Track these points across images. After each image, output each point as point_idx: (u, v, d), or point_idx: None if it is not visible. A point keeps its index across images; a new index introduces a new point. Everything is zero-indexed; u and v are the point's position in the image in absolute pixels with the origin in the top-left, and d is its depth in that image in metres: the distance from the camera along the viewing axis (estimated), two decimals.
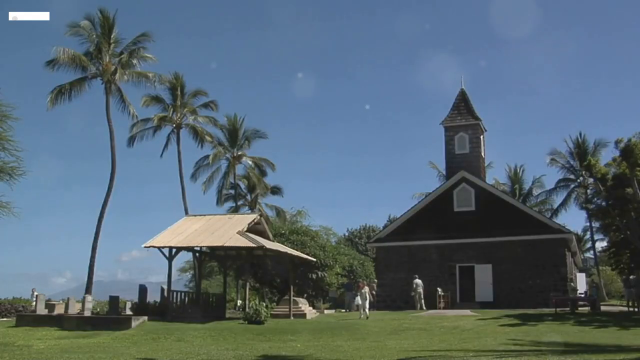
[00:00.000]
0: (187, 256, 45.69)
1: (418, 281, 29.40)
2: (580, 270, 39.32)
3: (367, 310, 24.79)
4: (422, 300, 29.01)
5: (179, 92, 41.57)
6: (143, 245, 22.89)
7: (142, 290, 24.92)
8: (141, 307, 23.58)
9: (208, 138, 43.11)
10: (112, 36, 36.59)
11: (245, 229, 24.21)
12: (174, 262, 23.64)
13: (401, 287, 31.54)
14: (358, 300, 26.21)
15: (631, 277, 27.33)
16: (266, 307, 22.90)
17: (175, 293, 24.37)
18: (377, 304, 33.34)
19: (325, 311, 33.05)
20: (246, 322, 21.67)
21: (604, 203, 30.26)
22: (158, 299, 25.52)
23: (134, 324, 19.42)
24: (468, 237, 31.01)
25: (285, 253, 26.27)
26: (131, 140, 41.14)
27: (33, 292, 30.80)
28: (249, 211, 44.91)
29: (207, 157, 44.55)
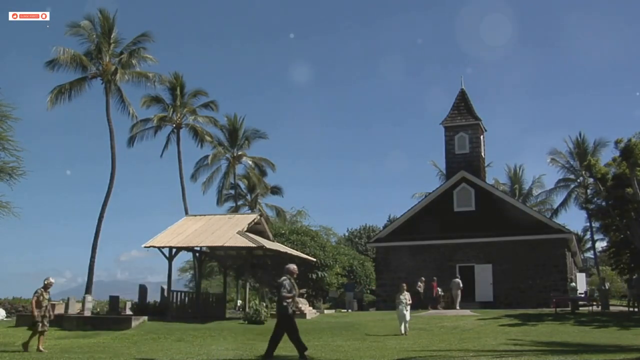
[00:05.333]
0: (187, 256, 45.77)
1: (457, 280, 29.38)
2: (580, 270, 39.31)
3: (407, 322, 18.62)
4: (458, 299, 29.02)
5: (178, 92, 41.59)
6: (143, 245, 22.91)
7: (142, 290, 24.92)
8: (141, 307, 23.58)
9: (208, 138, 43.14)
10: (112, 36, 36.60)
11: (245, 229, 24.21)
12: (174, 262, 23.69)
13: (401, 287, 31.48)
14: (402, 309, 18.52)
15: (634, 277, 27.30)
16: (266, 307, 22.91)
17: (175, 293, 24.37)
18: (377, 304, 33.35)
19: (325, 311, 33.04)
20: (246, 322, 21.67)
21: (604, 203, 30.23)
22: (158, 299, 25.52)
23: (134, 324, 19.43)
24: (468, 237, 31.02)
25: (285, 253, 26.26)
26: (131, 140, 41.23)
27: None
28: (249, 211, 44.94)
29: (207, 157, 44.61)
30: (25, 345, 13.87)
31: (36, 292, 14.03)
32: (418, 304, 27.82)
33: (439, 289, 29.68)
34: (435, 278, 29.77)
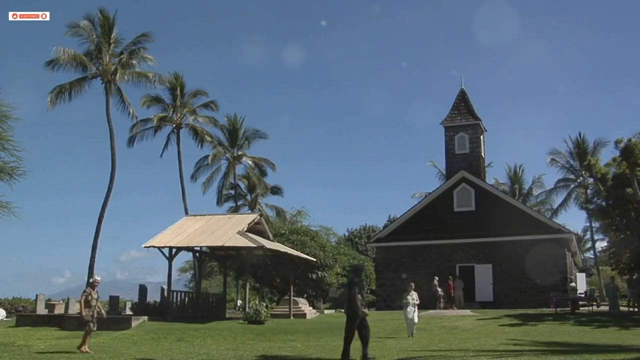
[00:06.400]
0: (187, 256, 45.65)
1: (460, 280, 29.73)
2: (580, 270, 39.31)
3: (415, 324, 17.59)
4: (462, 299, 29.23)
5: (178, 92, 41.54)
6: (143, 245, 22.91)
7: (142, 290, 24.93)
8: (141, 307, 23.60)
9: (208, 138, 43.09)
10: (112, 36, 36.55)
11: (245, 229, 24.22)
12: (174, 262, 23.69)
13: (401, 287, 31.50)
14: (410, 311, 17.42)
15: (634, 277, 27.28)
16: (266, 307, 22.92)
17: (175, 293, 24.38)
18: (377, 304, 33.34)
19: (325, 311, 33.05)
20: (246, 322, 21.68)
21: (604, 203, 30.25)
22: (158, 299, 25.54)
23: (134, 324, 19.43)
24: (468, 237, 31.02)
25: (285, 253, 26.27)
26: (131, 141, 41.17)
27: None
28: (249, 211, 44.92)
29: (207, 157, 44.55)
30: (81, 346, 13.55)
31: (84, 291, 13.82)
32: (432, 304, 27.74)
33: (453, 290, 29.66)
34: (450, 277, 29.70)
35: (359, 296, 10.97)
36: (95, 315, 13.82)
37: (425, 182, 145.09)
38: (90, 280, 14.02)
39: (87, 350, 13.37)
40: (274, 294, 37.33)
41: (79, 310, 14.00)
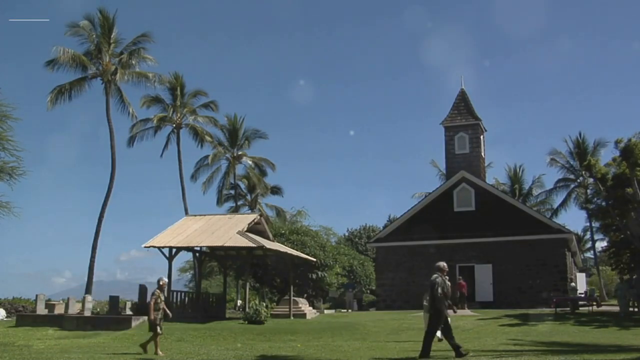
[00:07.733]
0: (187, 256, 45.75)
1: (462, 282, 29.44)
2: (580, 270, 39.31)
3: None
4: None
5: (178, 92, 41.58)
6: (143, 245, 22.91)
7: (142, 290, 24.90)
8: (141, 307, 23.56)
9: (208, 138, 43.12)
10: (112, 36, 36.60)
11: (245, 229, 24.21)
12: (174, 262, 23.68)
13: (401, 287, 31.54)
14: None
15: (634, 277, 27.23)
16: (266, 307, 22.90)
17: (175, 293, 24.37)
18: (377, 304, 33.37)
19: (325, 311, 33.05)
20: (246, 322, 21.67)
21: (604, 203, 30.21)
22: None
23: (134, 324, 19.45)
24: (468, 237, 31.03)
25: (285, 253, 26.27)
26: (131, 141, 41.22)
27: None
28: (249, 211, 44.92)
29: (207, 157, 44.58)
30: (144, 346, 13.32)
31: (153, 293, 13.44)
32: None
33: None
34: (460, 277, 29.32)
35: (441, 296, 11.06)
36: (162, 318, 13.43)
37: (425, 182, 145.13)
38: (161, 283, 13.52)
39: (161, 353, 12.99)
40: (274, 294, 37.30)
41: (147, 314, 13.54)
